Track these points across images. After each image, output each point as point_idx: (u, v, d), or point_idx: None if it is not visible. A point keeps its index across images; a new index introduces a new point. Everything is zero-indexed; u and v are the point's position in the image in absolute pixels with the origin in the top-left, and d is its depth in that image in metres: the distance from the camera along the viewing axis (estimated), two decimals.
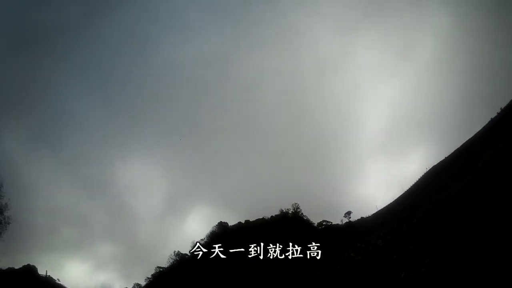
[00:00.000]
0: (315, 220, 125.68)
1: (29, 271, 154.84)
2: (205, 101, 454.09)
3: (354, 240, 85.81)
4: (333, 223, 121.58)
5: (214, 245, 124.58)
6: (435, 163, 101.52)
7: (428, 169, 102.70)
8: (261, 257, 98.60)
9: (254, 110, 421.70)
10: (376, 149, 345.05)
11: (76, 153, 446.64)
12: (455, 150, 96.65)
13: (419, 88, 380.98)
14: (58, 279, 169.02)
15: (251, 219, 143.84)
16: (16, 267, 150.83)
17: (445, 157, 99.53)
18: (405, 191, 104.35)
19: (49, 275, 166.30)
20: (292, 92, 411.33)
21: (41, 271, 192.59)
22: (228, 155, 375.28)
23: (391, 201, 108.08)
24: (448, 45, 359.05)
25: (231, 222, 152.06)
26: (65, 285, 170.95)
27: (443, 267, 44.27)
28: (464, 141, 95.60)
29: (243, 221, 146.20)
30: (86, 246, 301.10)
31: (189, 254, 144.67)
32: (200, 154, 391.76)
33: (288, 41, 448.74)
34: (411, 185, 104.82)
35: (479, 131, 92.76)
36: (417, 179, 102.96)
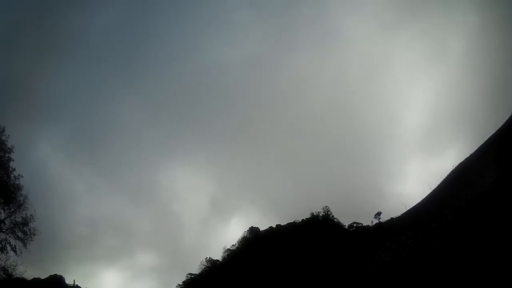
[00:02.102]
0: (346, 222, 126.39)
1: (56, 281, 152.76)
2: (241, 105, 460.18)
3: (384, 241, 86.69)
4: (363, 225, 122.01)
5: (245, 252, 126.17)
6: (462, 160, 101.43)
7: (455, 166, 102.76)
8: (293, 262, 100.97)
9: (292, 113, 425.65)
10: (410, 148, 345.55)
11: (118, 160, 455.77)
12: (480, 146, 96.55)
13: (453, 86, 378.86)
14: None
15: (283, 223, 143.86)
16: (42, 277, 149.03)
17: (470, 154, 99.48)
18: (433, 189, 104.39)
19: (77, 285, 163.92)
20: (331, 93, 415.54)
21: (77, 281, 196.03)
22: (268, 157, 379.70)
23: (419, 200, 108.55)
24: (479, 42, 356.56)
25: (268, 225, 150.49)
26: None
27: (471, 265, 45.43)
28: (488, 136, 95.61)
29: (274, 226, 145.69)
30: (126, 256, 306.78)
31: (220, 260, 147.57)
32: (242, 158, 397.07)
33: (330, 40, 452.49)
34: (439, 183, 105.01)
35: (501, 126, 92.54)
36: (445, 177, 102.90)
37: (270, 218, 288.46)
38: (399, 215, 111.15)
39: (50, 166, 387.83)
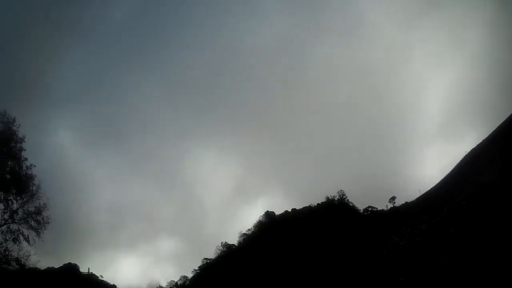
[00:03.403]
0: (361, 206, 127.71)
1: (70, 269, 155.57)
2: (265, 90, 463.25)
3: (399, 225, 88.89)
4: (378, 209, 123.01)
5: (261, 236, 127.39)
6: (474, 147, 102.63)
7: (467, 153, 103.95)
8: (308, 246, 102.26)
9: (314, 98, 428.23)
10: (427, 134, 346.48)
11: (141, 145, 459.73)
12: (490, 134, 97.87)
13: (471, 76, 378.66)
14: (101, 275, 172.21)
15: (298, 207, 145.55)
16: (57, 266, 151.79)
17: (482, 140, 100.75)
18: (446, 175, 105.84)
19: (91, 272, 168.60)
20: (353, 80, 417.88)
21: (95, 269, 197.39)
22: (289, 142, 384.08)
23: (433, 185, 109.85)
24: (495, 34, 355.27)
25: (284, 209, 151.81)
26: (109, 282, 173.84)
27: (483, 250, 47.67)
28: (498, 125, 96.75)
29: (290, 210, 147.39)
30: (148, 242, 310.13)
31: (236, 245, 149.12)
32: (265, 142, 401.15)
33: (355, 29, 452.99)
34: (452, 168, 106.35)
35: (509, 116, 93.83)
36: (457, 163, 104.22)
37: (287, 201, 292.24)
38: (414, 199, 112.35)
39: (70, 153, 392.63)
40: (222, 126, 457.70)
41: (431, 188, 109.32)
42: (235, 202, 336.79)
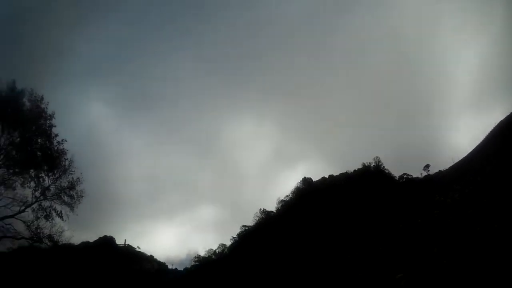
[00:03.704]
0: (396, 173, 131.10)
1: (106, 242, 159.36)
2: (301, 57, 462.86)
3: (433, 194, 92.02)
4: (413, 176, 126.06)
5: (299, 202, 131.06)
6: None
7: (497, 124, 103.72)
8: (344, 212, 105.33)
9: (350, 68, 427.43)
10: (460, 103, 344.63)
11: (179, 112, 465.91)
12: None
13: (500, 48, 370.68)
14: (138, 246, 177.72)
15: (335, 173, 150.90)
16: (91, 240, 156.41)
17: None
18: (479, 143, 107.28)
19: (128, 244, 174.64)
20: (386, 50, 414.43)
21: (132, 240, 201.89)
22: (326, 109, 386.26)
23: (466, 154, 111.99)
24: None
25: (326, 174, 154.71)
26: (146, 253, 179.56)
27: None
28: None
29: (327, 176, 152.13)
30: (186, 210, 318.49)
31: (274, 211, 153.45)
32: (303, 110, 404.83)
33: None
34: (485, 137, 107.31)
35: None
36: (489, 132, 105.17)
37: (326, 167, 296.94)
38: (447, 168, 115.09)
39: (105, 124, 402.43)
40: (261, 92, 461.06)
41: (464, 157, 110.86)
42: (274, 168, 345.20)
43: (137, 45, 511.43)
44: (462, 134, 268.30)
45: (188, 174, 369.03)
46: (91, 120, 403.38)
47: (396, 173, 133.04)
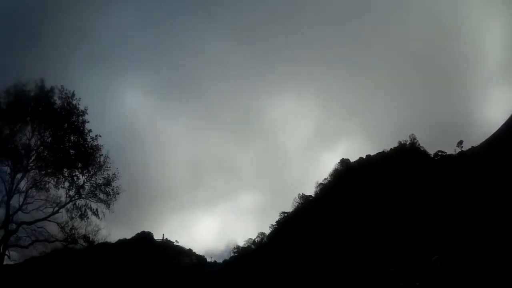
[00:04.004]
0: (431, 150, 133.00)
1: (144, 237, 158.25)
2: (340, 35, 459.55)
3: (467, 169, 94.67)
4: (447, 153, 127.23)
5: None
6: None
7: None
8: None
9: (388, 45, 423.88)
10: (493, 76, 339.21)
11: (217, 95, 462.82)
12: None
13: None
14: (176, 240, 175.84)
15: (372, 153, 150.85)
16: (129, 237, 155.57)
17: None
18: (509, 118, 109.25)
19: (166, 239, 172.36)
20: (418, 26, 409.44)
21: (171, 233, 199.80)
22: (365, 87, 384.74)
23: (497, 129, 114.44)
24: None
25: (359, 155, 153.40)
26: (185, 246, 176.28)
27: None
28: None
29: (364, 156, 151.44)
30: (228, 198, 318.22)
31: (313, 195, 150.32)
32: (343, 86, 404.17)
33: None
34: None
35: None
36: None
37: (366, 146, 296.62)
38: (479, 143, 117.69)
39: (141, 112, 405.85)
40: (300, 69, 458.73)
41: (495, 132, 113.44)
42: (316, 148, 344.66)
43: (171, 28, 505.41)
44: (494, 108, 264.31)
45: (229, 159, 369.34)
46: (127, 109, 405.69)
47: (431, 149, 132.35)
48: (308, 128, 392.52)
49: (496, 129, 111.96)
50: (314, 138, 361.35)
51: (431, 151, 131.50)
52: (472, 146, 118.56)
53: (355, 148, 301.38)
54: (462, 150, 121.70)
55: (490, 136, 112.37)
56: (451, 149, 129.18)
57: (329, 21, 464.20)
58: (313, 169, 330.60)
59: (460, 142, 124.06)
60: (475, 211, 67.58)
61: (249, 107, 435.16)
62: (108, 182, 47.29)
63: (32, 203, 44.12)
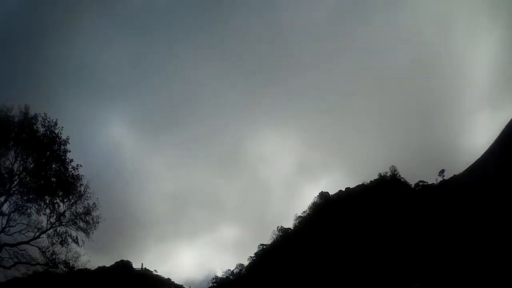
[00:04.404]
0: (412, 180, 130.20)
1: (123, 266, 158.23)
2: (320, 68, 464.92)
3: (449, 199, 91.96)
4: (428, 183, 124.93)
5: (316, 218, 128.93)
6: None
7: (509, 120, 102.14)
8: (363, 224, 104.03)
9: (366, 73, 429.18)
10: (473, 104, 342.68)
11: (200, 130, 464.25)
12: None
13: None
14: (155, 270, 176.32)
15: (352, 186, 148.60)
16: (108, 265, 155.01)
17: None
18: (491, 145, 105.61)
19: (145, 268, 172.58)
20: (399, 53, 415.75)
21: (151, 263, 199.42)
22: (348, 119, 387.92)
23: (479, 157, 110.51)
24: None
25: (345, 186, 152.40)
26: (164, 276, 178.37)
27: None
28: None
29: (343, 189, 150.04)
30: (210, 230, 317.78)
31: (292, 228, 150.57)
32: (325, 119, 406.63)
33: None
34: (495, 139, 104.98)
35: None
36: (500, 133, 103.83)
37: (346, 179, 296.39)
38: (461, 172, 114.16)
39: (125, 143, 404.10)
40: (283, 105, 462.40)
41: (477, 160, 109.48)
42: (298, 182, 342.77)
43: (156, 64, 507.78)
44: (478, 135, 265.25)
45: (212, 192, 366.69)
46: (111, 140, 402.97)
47: (412, 180, 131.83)
48: (290, 162, 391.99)
49: (479, 157, 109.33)
50: (296, 173, 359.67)
51: (413, 182, 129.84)
52: (454, 175, 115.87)
53: (337, 181, 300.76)
54: (443, 179, 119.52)
55: (472, 164, 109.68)
56: (433, 179, 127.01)
57: (311, 57, 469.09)
58: (294, 202, 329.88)
59: (442, 171, 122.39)
60: (456, 239, 65.83)
61: (232, 141, 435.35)
62: (88, 212, 48.28)
63: (14, 226, 44.78)
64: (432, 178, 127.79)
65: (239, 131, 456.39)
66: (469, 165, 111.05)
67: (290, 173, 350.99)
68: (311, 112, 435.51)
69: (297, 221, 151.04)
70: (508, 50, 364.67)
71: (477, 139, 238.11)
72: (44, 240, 46.05)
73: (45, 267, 47.59)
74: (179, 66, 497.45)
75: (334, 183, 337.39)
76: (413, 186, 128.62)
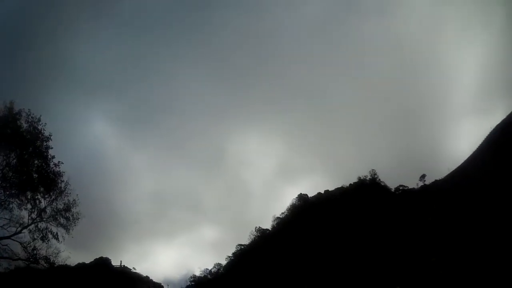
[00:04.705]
0: (392, 185, 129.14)
1: (102, 263, 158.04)
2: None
3: (429, 204, 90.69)
4: (409, 187, 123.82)
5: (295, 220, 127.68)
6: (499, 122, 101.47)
7: (492, 128, 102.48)
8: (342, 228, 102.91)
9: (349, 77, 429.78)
10: (459, 110, 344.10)
11: (183, 131, 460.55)
12: None
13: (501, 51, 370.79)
14: (133, 267, 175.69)
15: (331, 188, 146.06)
16: (88, 262, 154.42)
17: (507, 116, 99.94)
18: (474, 151, 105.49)
19: (124, 265, 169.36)
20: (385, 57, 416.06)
21: (130, 261, 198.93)
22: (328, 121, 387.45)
23: (461, 162, 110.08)
24: None
25: (325, 188, 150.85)
26: (142, 274, 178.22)
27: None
28: None
29: (322, 192, 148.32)
30: (189, 229, 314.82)
31: (270, 229, 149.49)
32: (307, 121, 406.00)
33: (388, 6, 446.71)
34: (479, 144, 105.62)
35: None
36: (484, 138, 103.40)
37: (327, 180, 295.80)
38: (443, 177, 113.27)
39: (107, 142, 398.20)
40: (266, 106, 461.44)
41: (459, 166, 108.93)
42: (278, 184, 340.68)
43: (140, 62, 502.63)
44: (462, 141, 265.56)
45: (193, 193, 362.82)
46: (94, 138, 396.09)
47: (393, 184, 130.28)
48: (271, 164, 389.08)
49: (461, 163, 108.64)
50: (277, 175, 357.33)
51: (394, 186, 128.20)
52: (435, 180, 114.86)
53: (318, 184, 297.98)
54: (424, 184, 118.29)
55: (453, 170, 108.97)
56: (415, 184, 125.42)
57: (296, 60, 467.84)
58: (274, 204, 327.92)
59: (423, 176, 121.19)
60: (436, 244, 64.95)
61: (214, 143, 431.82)
62: (68, 208, 47.80)
63: None
64: (414, 183, 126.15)
65: (222, 133, 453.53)
66: (450, 171, 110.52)
67: (271, 175, 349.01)
68: (294, 115, 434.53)
69: (275, 222, 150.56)
70: (496, 57, 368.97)
71: (461, 145, 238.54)
72: (25, 236, 45.91)
73: (27, 263, 47.25)
74: (163, 66, 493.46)
75: (315, 186, 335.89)
76: (393, 190, 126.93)
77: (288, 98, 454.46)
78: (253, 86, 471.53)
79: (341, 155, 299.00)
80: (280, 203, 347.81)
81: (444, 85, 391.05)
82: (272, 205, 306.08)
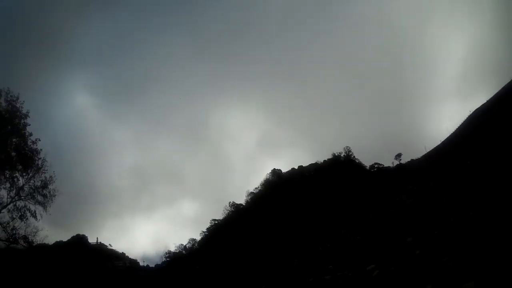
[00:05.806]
0: (367, 163, 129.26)
1: (78, 241, 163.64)
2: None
3: (405, 183, 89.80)
4: (384, 165, 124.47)
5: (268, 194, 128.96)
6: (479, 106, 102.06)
7: (471, 111, 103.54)
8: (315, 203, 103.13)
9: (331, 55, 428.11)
10: (441, 93, 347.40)
11: (164, 103, 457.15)
12: (495, 94, 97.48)
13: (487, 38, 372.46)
14: (110, 244, 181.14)
15: (305, 164, 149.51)
16: (65, 240, 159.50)
17: (487, 100, 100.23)
18: (452, 132, 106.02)
19: (100, 242, 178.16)
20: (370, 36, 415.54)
21: (108, 237, 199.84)
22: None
23: (439, 143, 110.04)
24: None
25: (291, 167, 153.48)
26: (118, 250, 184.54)
27: (490, 210, 48.37)
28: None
29: (296, 167, 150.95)
30: (170, 204, 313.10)
31: (244, 204, 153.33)
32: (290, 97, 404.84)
33: None
34: (459, 125, 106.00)
35: None
36: (463, 121, 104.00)
37: (305, 156, 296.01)
38: (419, 156, 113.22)
39: (89, 115, 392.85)
40: (248, 79, 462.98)
41: (437, 145, 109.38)
42: (259, 158, 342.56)
43: (124, 35, 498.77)
44: (443, 124, 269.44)
45: (174, 166, 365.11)
46: (75, 110, 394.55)
47: (369, 162, 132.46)
48: (252, 139, 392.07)
49: (438, 143, 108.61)
50: (257, 149, 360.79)
51: (369, 164, 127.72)
52: (411, 159, 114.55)
53: (297, 157, 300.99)
54: (400, 163, 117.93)
55: (431, 150, 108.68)
56: (391, 163, 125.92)
57: (282, 36, 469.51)
58: (254, 179, 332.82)
59: (399, 155, 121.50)
60: (415, 223, 62.77)
61: (196, 116, 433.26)
62: (45, 185, 49.94)
63: None
64: (391, 163, 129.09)
65: (204, 106, 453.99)
66: (427, 151, 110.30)
67: (252, 150, 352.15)
68: (277, 90, 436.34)
69: (249, 198, 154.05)
70: (481, 43, 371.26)
71: (441, 127, 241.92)
72: (5, 216, 47.90)
73: (7, 243, 48.87)
74: (146, 40, 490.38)
75: (294, 161, 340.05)
76: (368, 167, 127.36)
77: (271, 75, 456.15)
78: (235, 62, 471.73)
79: (320, 132, 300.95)
80: (260, 178, 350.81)
81: (428, 68, 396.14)
82: (251, 179, 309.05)
